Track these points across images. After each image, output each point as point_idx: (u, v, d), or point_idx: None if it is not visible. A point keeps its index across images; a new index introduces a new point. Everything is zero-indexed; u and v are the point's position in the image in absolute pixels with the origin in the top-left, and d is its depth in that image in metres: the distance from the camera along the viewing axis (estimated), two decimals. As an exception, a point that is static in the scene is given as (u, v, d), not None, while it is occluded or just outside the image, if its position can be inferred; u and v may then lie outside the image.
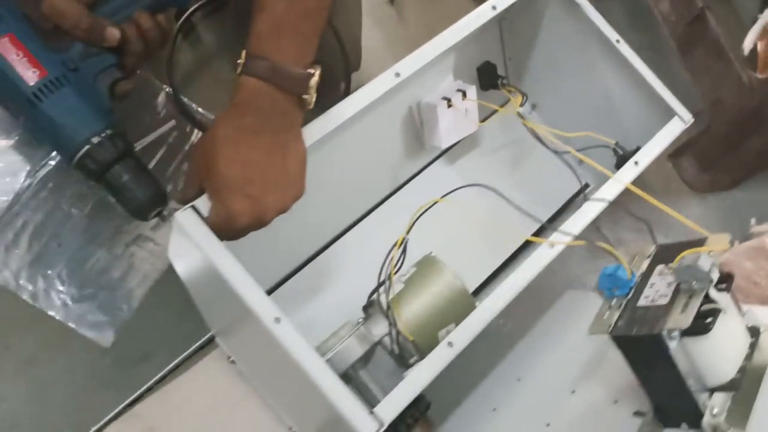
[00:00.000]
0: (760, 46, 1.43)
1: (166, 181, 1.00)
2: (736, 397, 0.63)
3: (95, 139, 0.68)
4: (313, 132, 0.72)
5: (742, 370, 0.63)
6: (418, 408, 0.78)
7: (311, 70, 0.65)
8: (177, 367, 0.86)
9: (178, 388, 0.84)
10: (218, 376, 0.84)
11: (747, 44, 1.32)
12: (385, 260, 0.74)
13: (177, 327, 0.93)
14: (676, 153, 1.33)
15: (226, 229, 0.65)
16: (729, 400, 0.63)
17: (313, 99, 0.67)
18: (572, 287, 1.06)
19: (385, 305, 0.75)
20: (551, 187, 1.03)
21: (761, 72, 1.22)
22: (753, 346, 0.65)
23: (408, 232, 0.74)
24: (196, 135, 1.05)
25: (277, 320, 0.64)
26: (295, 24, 0.65)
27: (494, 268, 0.96)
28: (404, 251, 0.75)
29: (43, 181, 0.94)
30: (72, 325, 0.90)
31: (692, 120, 0.90)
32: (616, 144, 0.92)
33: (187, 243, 0.66)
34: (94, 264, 0.94)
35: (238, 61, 0.64)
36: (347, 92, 1.05)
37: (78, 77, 0.68)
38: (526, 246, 0.97)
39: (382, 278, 0.76)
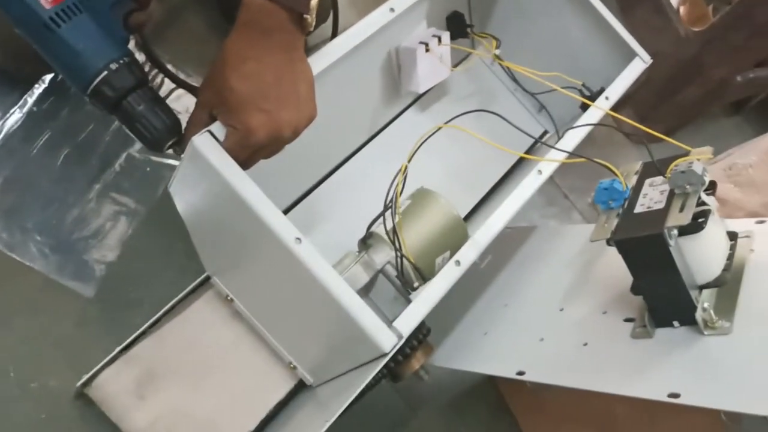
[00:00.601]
0: (682, 10, 1.55)
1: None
2: (721, 292, 0.70)
3: (113, 66, 0.66)
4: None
5: (726, 268, 0.70)
6: (421, 332, 0.81)
7: None
8: (171, 309, 0.85)
9: (174, 329, 0.83)
10: (215, 316, 0.84)
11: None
12: (390, 188, 0.76)
13: (162, 273, 0.92)
14: (615, 107, 1.41)
15: (243, 148, 0.65)
16: (715, 296, 0.70)
17: (314, 22, 0.68)
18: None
19: (389, 232, 0.77)
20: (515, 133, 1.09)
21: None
22: (733, 248, 0.72)
23: (410, 160, 0.76)
24: (166, 85, 1.04)
25: (298, 240, 0.65)
26: None
27: (480, 197, 1.01)
28: (405, 178, 0.77)
29: (13, 132, 0.91)
30: (53, 276, 0.87)
31: (651, 61, 0.97)
32: (583, 85, 0.97)
33: (201, 170, 0.66)
34: (72, 213, 0.91)
35: None
36: (336, 27, 1.07)
37: (94, 5, 0.66)
38: (505, 177, 1.03)
39: (383, 208, 0.78)
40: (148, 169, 0.98)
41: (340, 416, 0.87)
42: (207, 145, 0.65)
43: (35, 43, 0.66)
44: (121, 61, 0.67)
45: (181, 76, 1.03)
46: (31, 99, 0.93)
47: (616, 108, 1.42)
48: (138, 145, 0.98)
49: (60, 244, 0.89)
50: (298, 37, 0.68)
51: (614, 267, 0.82)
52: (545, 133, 1.15)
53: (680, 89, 1.30)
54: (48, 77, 0.94)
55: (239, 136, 0.65)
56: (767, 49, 1.28)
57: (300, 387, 0.85)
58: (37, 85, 0.93)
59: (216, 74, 0.66)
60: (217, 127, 0.66)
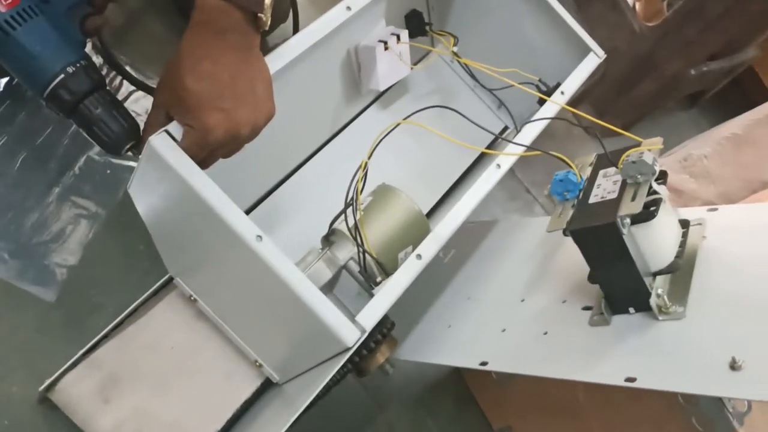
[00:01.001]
0: (638, 6, 1.58)
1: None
2: (674, 278, 0.72)
3: (70, 69, 0.66)
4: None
5: (678, 255, 0.72)
6: (385, 326, 0.82)
7: None
8: (133, 312, 0.85)
9: (137, 332, 0.83)
10: (179, 316, 0.83)
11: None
12: (351, 183, 0.77)
13: (124, 276, 0.92)
14: (573, 102, 1.44)
15: (201, 147, 0.65)
16: (668, 283, 0.72)
17: (269, 21, 0.68)
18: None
19: (351, 228, 0.78)
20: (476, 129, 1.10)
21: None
22: (685, 235, 0.75)
23: (370, 156, 0.77)
24: (125, 87, 1.03)
25: (259, 238, 0.65)
26: None
27: (441, 195, 1.02)
28: (366, 175, 0.78)
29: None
30: (13, 281, 0.86)
31: (605, 56, 0.99)
32: (539, 80, 0.99)
33: (159, 170, 0.66)
34: (31, 218, 0.90)
35: None
36: (296, 26, 1.08)
37: (50, 9, 0.66)
38: (466, 174, 1.04)
39: (345, 204, 0.79)
40: (107, 171, 0.97)
41: (308, 414, 0.87)
42: (164, 144, 0.65)
43: None
44: (78, 65, 0.67)
45: (141, 78, 1.02)
46: (-15, 103, 0.92)
47: (574, 103, 1.45)
48: (97, 148, 0.97)
49: (19, 249, 0.88)
50: (254, 37, 0.69)
51: (572, 257, 0.84)
52: (505, 129, 1.17)
53: (636, 84, 1.33)
54: (3, 81, 0.93)
55: (196, 135, 0.65)
56: (719, 42, 1.31)
57: (267, 385, 0.85)
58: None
59: (171, 74, 0.66)
60: (174, 127, 0.66)
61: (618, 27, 1.29)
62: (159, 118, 0.68)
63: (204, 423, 0.81)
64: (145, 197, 0.74)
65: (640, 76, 1.32)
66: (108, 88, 0.71)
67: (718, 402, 0.74)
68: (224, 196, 0.65)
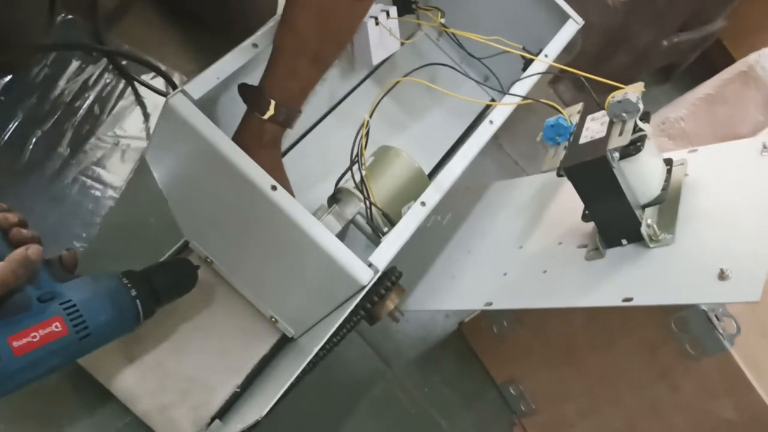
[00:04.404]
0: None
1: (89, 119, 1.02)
2: (662, 209, 0.78)
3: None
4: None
5: (664, 188, 0.78)
6: (393, 274, 0.87)
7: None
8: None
9: (157, 296, 0.86)
10: (195, 279, 0.87)
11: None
12: (354, 143, 0.81)
13: (137, 247, 0.95)
14: (554, 80, 1.50)
15: None
16: (656, 213, 0.77)
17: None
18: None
19: (357, 184, 0.82)
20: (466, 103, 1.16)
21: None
22: (669, 172, 0.80)
23: (371, 114, 0.82)
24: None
25: (274, 188, 0.69)
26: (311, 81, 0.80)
27: (436, 162, 1.07)
28: (368, 133, 0.83)
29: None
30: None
31: (583, 22, 1.05)
32: (523, 48, 1.05)
33: (176, 128, 0.70)
34: (45, 196, 0.94)
35: (268, 113, 0.77)
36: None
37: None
38: (458, 143, 1.09)
39: (351, 162, 0.83)
40: (117, 149, 1.01)
41: (320, 371, 0.92)
42: (181, 103, 0.69)
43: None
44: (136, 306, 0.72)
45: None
46: (-3, 88, 0.96)
47: (554, 81, 1.52)
48: (104, 127, 1.02)
49: (36, 226, 0.91)
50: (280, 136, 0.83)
51: (565, 204, 0.90)
52: (493, 101, 1.22)
53: (611, 57, 1.39)
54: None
55: None
56: (687, 12, 1.38)
57: (284, 342, 0.89)
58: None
59: None
60: (192, 85, 0.71)
61: (590, 1, 1.36)
62: None
63: (225, 378, 0.85)
64: (162, 160, 0.78)
65: (614, 48, 1.38)
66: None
67: (709, 324, 0.79)
68: (239, 150, 0.69)
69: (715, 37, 1.61)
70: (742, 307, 0.81)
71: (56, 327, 0.63)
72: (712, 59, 1.71)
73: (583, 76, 0.86)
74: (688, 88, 1.61)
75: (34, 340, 0.61)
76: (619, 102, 0.73)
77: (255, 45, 0.78)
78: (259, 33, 0.79)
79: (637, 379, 0.89)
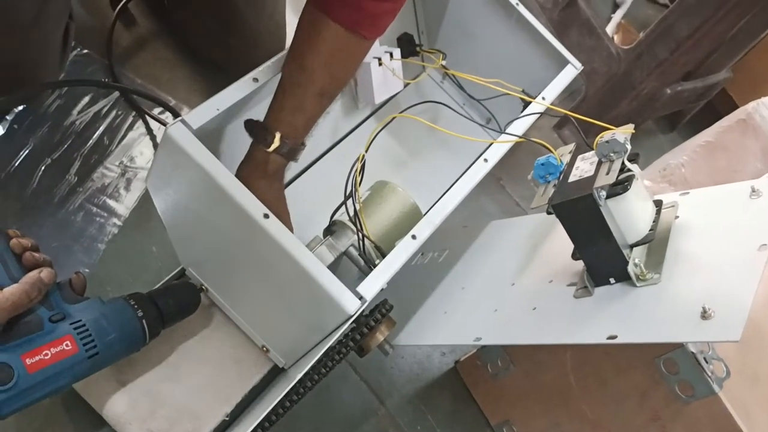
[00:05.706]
0: (616, 38, 1.68)
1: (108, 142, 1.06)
2: (650, 249, 0.78)
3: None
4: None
5: (652, 228, 0.78)
6: (384, 306, 0.87)
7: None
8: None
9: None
10: (190, 307, 0.89)
11: (609, 33, 1.56)
12: (348, 177, 0.83)
13: (137, 274, 0.98)
14: (559, 124, 1.52)
15: None
16: (645, 253, 0.78)
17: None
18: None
19: (351, 217, 0.84)
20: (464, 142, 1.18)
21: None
22: (659, 213, 0.81)
23: (367, 149, 0.84)
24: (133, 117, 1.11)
25: (266, 216, 0.71)
26: (316, 115, 0.83)
27: (435, 201, 1.08)
28: (363, 168, 0.85)
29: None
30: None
31: (582, 67, 1.07)
32: (523, 90, 1.07)
33: (175, 156, 0.73)
34: (52, 222, 0.97)
35: (273, 145, 0.79)
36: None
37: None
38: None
39: (345, 196, 0.85)
40: (123, 179, 1.04)
41: (313, 407, 0.92)
42: (180, 132, 0.72)
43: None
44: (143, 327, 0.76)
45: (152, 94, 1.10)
46: (10, 117, 0.99)
47: (558, 126, 1.54)
48: (113, 157, 1.05)
49: (42, 250, 0.94)
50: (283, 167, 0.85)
51: (557, 243, 0.91)
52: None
53: (615, 104, 1.41)
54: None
55: None
56: (690, 61, 1.40)
57: (275, 373, 0.90)
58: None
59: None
60: (192, 115, 0.73)
61: (595, 50, 1.39)
62: None
63: (214, 406, 0.85)
64: (161, 188, 0.81)
65: (618, 96, 1.40)
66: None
67: (698, 366, 0.79)
68: (234, 178, 0.72)
69: (719, 88, 1.63)
70: (732, 351, 0.81)
71: (67, 345, 0.66)
72: (717, 109, 1.72)
73: (575, 117, 0.88)
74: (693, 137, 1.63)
75: (46, 357, 0.64)
76: (607, 142, 0.75)
77: (255, 79, 0.81)
78: (259, 68, 0.82)
79: (629, 423, 0.88)
